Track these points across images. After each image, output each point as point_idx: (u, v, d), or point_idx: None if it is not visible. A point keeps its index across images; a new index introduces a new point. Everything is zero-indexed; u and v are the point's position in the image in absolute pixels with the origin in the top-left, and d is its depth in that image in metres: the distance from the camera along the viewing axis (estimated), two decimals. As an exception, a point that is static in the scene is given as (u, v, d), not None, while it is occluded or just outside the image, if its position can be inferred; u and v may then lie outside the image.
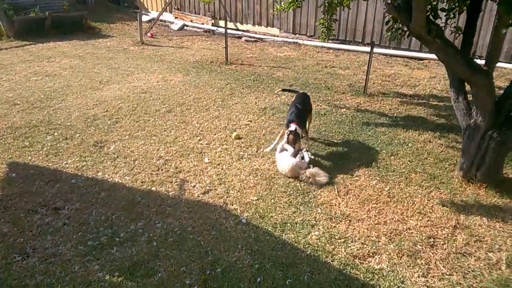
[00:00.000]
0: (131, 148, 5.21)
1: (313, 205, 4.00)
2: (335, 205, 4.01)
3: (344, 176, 4.54)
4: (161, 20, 14.14)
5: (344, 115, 6.36)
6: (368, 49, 10.06)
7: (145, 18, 14.47)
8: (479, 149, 4.18)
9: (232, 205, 4.01)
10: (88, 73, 8.41)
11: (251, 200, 4.08)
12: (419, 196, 4.18)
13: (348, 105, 6.81)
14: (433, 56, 9.60)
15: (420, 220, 3.79)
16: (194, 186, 4.37)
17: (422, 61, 9.59)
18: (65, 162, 4.86)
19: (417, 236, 3.56)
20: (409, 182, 4.44)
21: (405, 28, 4.01)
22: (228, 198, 4.12)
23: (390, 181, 4.46)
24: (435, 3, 3.82)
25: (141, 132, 5.67)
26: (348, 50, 10.63)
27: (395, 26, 4.21)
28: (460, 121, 4.40)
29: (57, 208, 4.00)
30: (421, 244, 3.48)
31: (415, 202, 4.07)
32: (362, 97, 7.21)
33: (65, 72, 8.47)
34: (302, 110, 4.93)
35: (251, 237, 3.52)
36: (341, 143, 5.39)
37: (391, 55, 10.06)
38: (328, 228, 3.65)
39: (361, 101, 7.02)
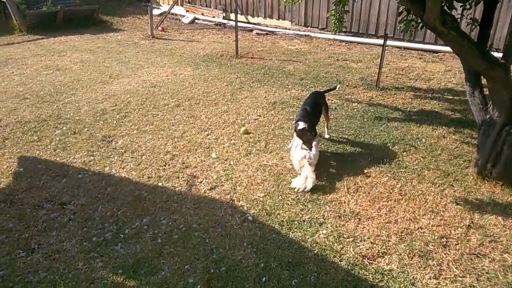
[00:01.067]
0: (138, 142, 5.17)
1: (322, 202, 3.90)
2: (344, 202, 3.91)
3: (354, 172, 4.43)
4: (172, 14, 14.07)
5: (355, 110, 6.21)
6: (381, 41, 9.86)
7: (156, 11, 14.43)
8: (495, 146, 4.02)
9: (239, 202, 3.94)
10: (99, 67, 8.40)
11: (258, 196, 4.01)
12: (432, 194, 4.04)
13: (360, 99, 6.66)
14: (448, 49, 9.32)
15: (433, 219, 3.66)
16: (201, 181, 4.31)
17: (437, 54, 9.34)
18: (73, 156, 4.85)
19: (429, 236, 3.44)
20: (421, 179, 4.30)
21: (419, 20, 3.86)
22: (235, 195, 4.05)
23: (402, 178, 4.33)
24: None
25: (149, 126, 5.63)
26: (361, 43, 10.42)
27: (408, 17, 4.05)
28: (476, 116, 4.24)
29: (63, 203, 3.99)
30: (433, 244, 3.36)
31: (428, 200, 3.94)
32: (375, 91, 7.04)
33: (76, 66, 8.47)
34: (311, 113, 4.63)
35: (257, 235, 3.45)
36: (351, 138, 5.26)
37: (405, 48, 9.82)
38: (336, 227, 3.56)
39: (373, 95, 6.85)
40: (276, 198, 3.97)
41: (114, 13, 14.22)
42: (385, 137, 5.29)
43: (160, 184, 4.27)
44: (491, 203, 3.90)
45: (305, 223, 3.60)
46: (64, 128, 5.60)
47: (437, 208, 3.82)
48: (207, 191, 4.13)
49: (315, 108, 4.77)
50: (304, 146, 4.32)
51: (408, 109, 6.27)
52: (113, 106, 6.33)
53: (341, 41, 10.58)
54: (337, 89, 5.57)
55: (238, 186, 4.20)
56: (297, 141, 4.50)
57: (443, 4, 3.50)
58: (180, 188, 4.19)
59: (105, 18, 13.58)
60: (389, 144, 5.09)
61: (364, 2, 10.07)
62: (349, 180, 4.28)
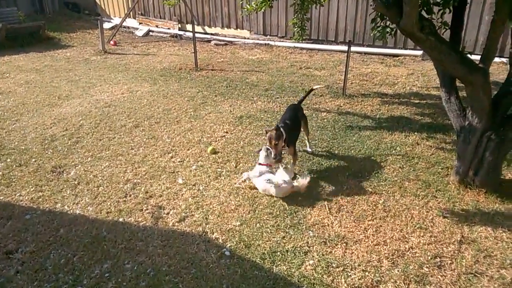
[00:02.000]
0: (94, 172, 4.64)
1: (304, 227, 3.57)
2: (328, 225, 3.60)
3: (334, 189, 4.15)
4: (124, 27, 13.44)
5: (325, 120, 5.98)
6: (342, 47, 9.80)
7: (107, 25, 13.75)
8: (476, 153, 3.87)
9: (213, 234, 3.53)
10: (46, 88, 7.72)
11: (234, 226, 3.62)
12: (417, 207, 3.83)
13: (328, 108, 6.45)
14: (408, 52, 9.43)
15: (422, 236, 3.43)
16: (168, 213, 3.87)
17: (397, 58, 9.38)
18: (19, 193, 4.25)
19: (422, 257, 3.19)
20: (403, 191, 4.08)
21: (393, 25, 3.67)
22: (207, 226, 3.64)
23: (384, 192, 4.09)
24: (426, -4, 3.48)
25: (105, 152, 5.11)
26: (322, 50, 10.32)
27: (382, 24, 3.85)
28: (454, 123, 4.08)
29: (8, 251, 3.42)
30: (427, 266, 3.11)
31: (414, 215, 3.71)
32: (342, 98, 6.87)
33: (20, 89, 7.74)
34: (291, 127, 4.27)
35: (237, 274, 3.05)
36: (325, 151, 5.00)
37: (366, 53, 9.81)
38: (323, 255, 3.23)
39: (341, 103, 6.67)
40: (253, 226, 3.60)
41: (62, 29, 13.39)
42: (359, 147, 5.06)
43: (121, 219, 3.78)
44: (478, 213, 3.73)
45: (288, 253, 3.25)
46: (8, 160, 4.96)
47: (425, 223, 3.60)
48: (176, 224, 3.69)
49: (294, 122, 4.42)
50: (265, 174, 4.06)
51: (378, 116, 6.12)
52: (63, 131, 5.73)
53: (302, 48, 10.44)
54: (315, 88, 5.15)
55: (210, 215, 3.79)
56: (256, 170, 4.17)
57: (421, 8, 3.31)
58: (144, 222, 3.73)
59: (52, 34, 12.73)
60: (364, 155, 4.86)
61: (323, 9, 9.98)
62: (329, 198, 3.99)
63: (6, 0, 13.55)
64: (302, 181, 4.01)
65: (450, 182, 4.18)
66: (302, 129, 4.71)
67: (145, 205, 3.99)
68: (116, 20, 13.89)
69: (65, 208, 4.02)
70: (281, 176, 4.02)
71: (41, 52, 10.84)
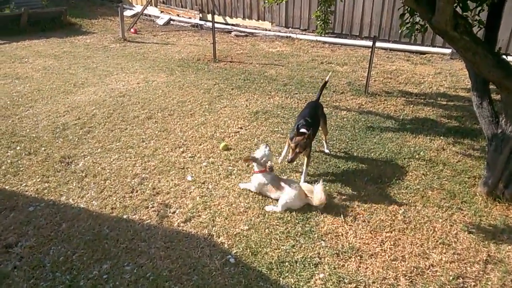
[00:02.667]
0: (102, 164, 4.51)
1: (316, 236, 3.34)
2: (342, 235, 3.36)
3: (350, 195, 3.89)
4: (146, 15, 13.35)
5: (345, 119, 5.70)
6: (366, 43, 9.43)
7: (129, 12, 13.68)
8: (507, 164, 3.55)
9: (219, 238, 3.34)
10: (63, 75, 7.66)
11: (241, 230, 3.42)
12: (440, 220, 3.54)
13: (349, 107, 6.15)
14: (436, 49, 8.99)
15: (445, 253, 3.15)
16: (174, 212, 3.69)
17: (424, 56, 8.95)
18: (25, 183, 4.16)
19: (443, 276, 2.93)
20: (426, 201, 3.80)
21: (423, 22, 3.37)
22: (213, 228, 3.45)
23: (404, 201, 3.81)
24: (463, -10, 3.16)
25: (116, 143, 4.97)
26: (345, 44, 9.96)
27: (412, 20, 3.54)
28: (485, 129, 3.76)
29: (8, 245, 3.32)
30: (449, 286, 2.84)
31: (436, 229, 3.43)
32: (364, 97, 6.55)
33: (38, 74, 7.70)
34: (311, 124, 3.98)
35: (241, 284, 2.86)
36: (343, 153, 4.74)
37: (391, 49, 9.41)
38: (335, 268, 3.00)
39: (362, 102, 6.36)
40: (262, 232, 3.39)
41: (84, 15, 13.41)
42: (380, 150, 4.78)
43: (125, 216, 3.63)
44: (506, 229, 3.42)
45: (297, 264, 3.03)
46: (18, 148, 4.88)
47: (448, 238, 3.32)
48: (181, 224, 3.52)
49: (314, 119, 4.13)
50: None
51: (401, 117, 5.80)
52: (76, 120, 5.63)
53: (324, 42, 10.10)
54: (327, 79, 4.90)
55: (218, 216, 3.60)
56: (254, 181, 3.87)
57: (456, 4, 3.00)
58: (149, 221, 3.57)
59: (73, 20, 12.75)
60: (385, 159, 4.58)
61: (348, 2, 9.61)
62: (345, 205, 3.74)
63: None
64: (317, 194, 3.58)
65: (477, 194, 3.87)
66: (320, 128, 4.46)
67: (151, 202, 3.83)
68: (138, 8, 13.79)
69: (70, 201, 3.90)
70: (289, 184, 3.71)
71: (62, 38, 10.84)
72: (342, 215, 3.58)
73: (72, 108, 6.04)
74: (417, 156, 4.64)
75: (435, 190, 3.98)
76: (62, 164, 4.55)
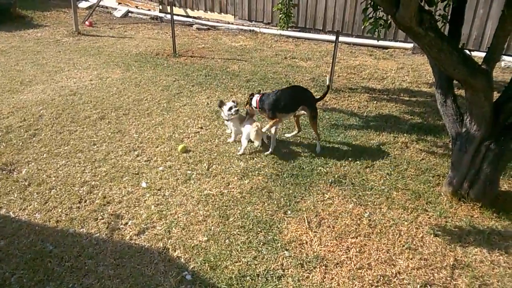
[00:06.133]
0: (48, 171, 4.13)
1: (279, 245, 3.15)
2: (306, 242, 3.19)
3: (314, 199, 3.73)
4: (102, 7, 12.68)
5: (309, 116, 5.53)
6: (330, 37, 9.32)
7: (84, 4, 12.96)
8: (472, 163, 3.49)
9: (175, 251, 3.08)
10: (9, 72, 7.07)
11: (200, 242, 3.18)
12: (405, 223, 3.44)
13: (312, 104, 5.99)
14: (398, 44, 9.01)
15: (411, 258, 3.05)
16: (126, 223, 3.40)
17: (387, 50, 8.95)
18: (-42, 195, 3.73)
19: (410, 284, 2.82)
20: (391, 203, 3.69)
21: (386, 17, 3.22)
22: (169, 241, 3.19)
23: (369, 203, 3.69)
24: (428, -15, 3.02)
25: (64, 147, 4.58)
26: (309, 39, 9.82)
27: (375, 15, 3.38)
28: (449, 128, 3.69)
29: None
30: (416, 295, 2.73)
31: (402, 232, 3.33)
32: (328, 93, 6.41)
33: (-20, 71, 7.08)
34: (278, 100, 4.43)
35: (197, 304, 2.63)
36: (307, 152, 4.58)
37: (354, 44, 9.36)
38: (299, 280, 2.82)
39: (326, 98, 6.21)
40: (222, 243, 3.16)
41: (35, 7, 12.53)
42: (344, 149, 4.66)
43: (71, 230, 3.30)
44: (472, 231, 3.37)
45: (259, 278, 2.83)
46: (-48, 154, 4.41)
47: (414, 242, 3.22)
48: (134, 237, 3.23)
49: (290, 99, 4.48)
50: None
51: (365, 113, 5.71)
52: (21, 122, 5.16)
53: (288, 36, 9.92)
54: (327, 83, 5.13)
55: (174, 227, 3.34)
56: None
57: (421, -1, 2.87)
58: (98, 234, 3.26)
59: (24, 12, 11.89)
60: (349, 158, 4.45)
61: (311, -5, 9.46)
62: (309, 209, 3.58)
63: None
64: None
65: (442, 194, 3.81)
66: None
67: (101, 213, 3.51)
68: (95, 0, 13.08)
69: (10, 214, 3.53)
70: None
71: (10, 32, 10.07)
72: (306, 221, 3.41)
73: (17, 109, 5.54)
74: (381, 155, 4.54)
75: (400, 191, 3.88)
76: (4, 172, 4.13)
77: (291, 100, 4.47)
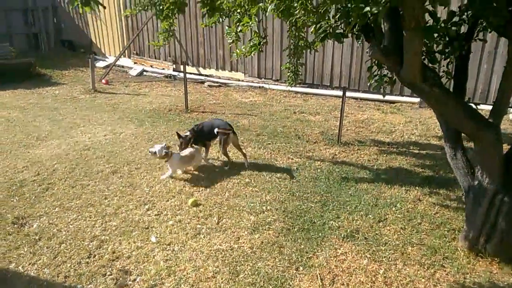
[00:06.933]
0: (59, 225, 4.14)
1: (291, 303, 3.05)
2: (319, 301, 3.08)
3: (327, 254, 3.65)
4: (119, 66, 13.29)
5: (319, 170, 5.55)
6: (337, 92, 9.56)
7: (101, 64, 13.62)
8: (487, 217, 3.42)
9: (183, 309, 3.00)
10: (26, 127, 7.31)
11: (209, 299, 3.09)
12: (422, 280, 3.32)
13: (322, 157, 6.03)
14: (405, 98, 9.19)
15: (430, 319, 2.91)
16: (135, 280, 3.34)
17: (394, 104, 9.10)
18: (-31, 250, 3.73)
19: None
20: (406, 259, 3.59)
21: (391, 74, 3.34)
22: (178, 298, 3.11)
23: (384, 259, 3.59)
24: (430, 44, 3.16)
25: (76, 201, 4.62)
26: (317, 94, 10.08)
27: (380, 72, 3.51)
28: (461, 181, 3.66)
29: None
30: None
31: (419, 290, 3.20)
32: (337, 146, 6.48)
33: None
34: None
35: None
36: (319, 207, 4.54)
37: (361, 99, 9.55)
38: None
39: (336, 151, 6.27)
40: (232, 301, 3.07)
41: (54, 66, 13.19)
42: (356, 203, 4.61)
43: (79, 286, 3.25)
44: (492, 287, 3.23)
45: None
46: (-34, 208, 4.46)
47: (432, 301, 3.09)
48: (142, 294, 3.16)
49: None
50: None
51: (375, 166, 5.71)
52: (35, 176, 5.26)
53: (297, 92, 10.19)
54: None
55: (183, 283, 3.27)
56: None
57: (424, 57, 2.99)
58: (106, 291, 3.19)
59: (43, 71, 12.51)
60: (361, 212, 4.40)
61: (317, 54, 9.83)
62: (321, 266, 3.49)
63: (1, 36, 13.50)
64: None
65: (459, 248, 3.70)
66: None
67: (110, 269, 3.46)
68: (111, 59, 13.76)
69: (19, 268, 3.51)
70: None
71: (29, 89, 10.54)
72: (319, 278, 3.32)
73: (32, 163, 5.67)
74: (394, 209, 4.48)
75: (415, 246, 3.79)
76: (15, 226, 4.15)
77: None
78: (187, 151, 5.35)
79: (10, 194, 4.80)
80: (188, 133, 5.59)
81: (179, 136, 5.52)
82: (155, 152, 5.04)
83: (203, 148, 5.75)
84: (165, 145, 5.17)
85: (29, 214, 4.36)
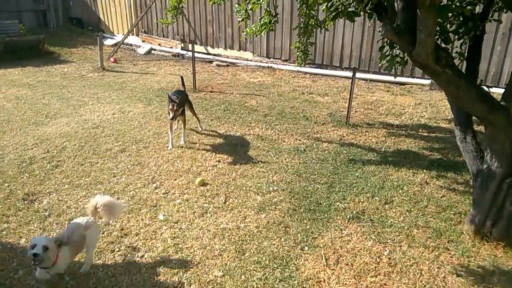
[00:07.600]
0: (68, 202, 4.21)
1: (296, 282, 3.09)
2: (324, 280, 3.12)
3: (332, 235, 3.67)
4: (127, 44, 13.24)
5: (326, 151, 5.54)
6: (347, 73, 9.46)
7: (110, 42, 13.56)
8: (495, 201, 3.40)
9: (190, 286, 3.06)
10: (35, 105, 7.36)
11: (215, 277, 3.14)
12: (427, 262, 3.34)
13: (330, 139, 6.01)
14: (415, 80, 9.06)
15: (433, 300, 2.94)
16: (142, 256, 3.40)
17: (404, 86, 8.99)
18: (-19, 224, 3.81)
19: (433, 327, 2.70)
20: (411, 241, 3.60)
21: (403, 55, 3.28)
22: (185, 275, 3.16)
23: (389, 240, 3.61)
24: (444, 24, 3.08)
25: (85, 179, 4.68)
26: (326, 75, 9.97)
27: (391, 53, 3.45)
28: (469, 165, 3.63)
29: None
30: None
31: (423, 272, 3.22)
32: (345, 128, 6.44)
33: (9, 104, 7.39)
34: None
35: None
36: (325, 188, 4.54)
37: (371, 80, 9.44)
38: (316, 320, 2.75)
39: (344, 133, 6.24)
40: (237, 279, 3.12)
41: (63, 44, 13.18)
42: (362, 185, 4.61)
43: (88, 262, 3.32)
44: (496, 271, 3.24)
45: (275, 316, 2.77)
46: (-22, 183, 4.55)
47: (436, 283, 3.11)
48: (150, 270, 3.22)
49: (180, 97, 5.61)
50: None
51: (383, 149, 5.68)
52: (44, 153, 5.32)
53: (305, 73, 10.10)
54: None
55: (190, 261, 3.32)
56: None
57: (438, 37, 2.92)
58: (113, 267, 3.26)
59: (52, 49, 12.51)
60: (368, 194, 4.40)
61: (328, 34, 9.68)
62: (326, 246, 3.52)
63: (11, 13, 13.47)
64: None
65: (464, 232, 3.70)
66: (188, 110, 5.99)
67: (118, 245, 3.53)
68: (119, 37, 13.69)
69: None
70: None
71: (38, 67, 10.56)
72: (324, 258, 3.35)
73: (41, 141, 5.73)
74: (400, 191, 4.48)
75: (420, 228, 3.79)
76: (25, 202, 4.22)
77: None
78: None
79: (20, 171, 4.86)
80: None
81: (171, 99, 5.37)
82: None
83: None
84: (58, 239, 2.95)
85: (39, 191, 4.43)
